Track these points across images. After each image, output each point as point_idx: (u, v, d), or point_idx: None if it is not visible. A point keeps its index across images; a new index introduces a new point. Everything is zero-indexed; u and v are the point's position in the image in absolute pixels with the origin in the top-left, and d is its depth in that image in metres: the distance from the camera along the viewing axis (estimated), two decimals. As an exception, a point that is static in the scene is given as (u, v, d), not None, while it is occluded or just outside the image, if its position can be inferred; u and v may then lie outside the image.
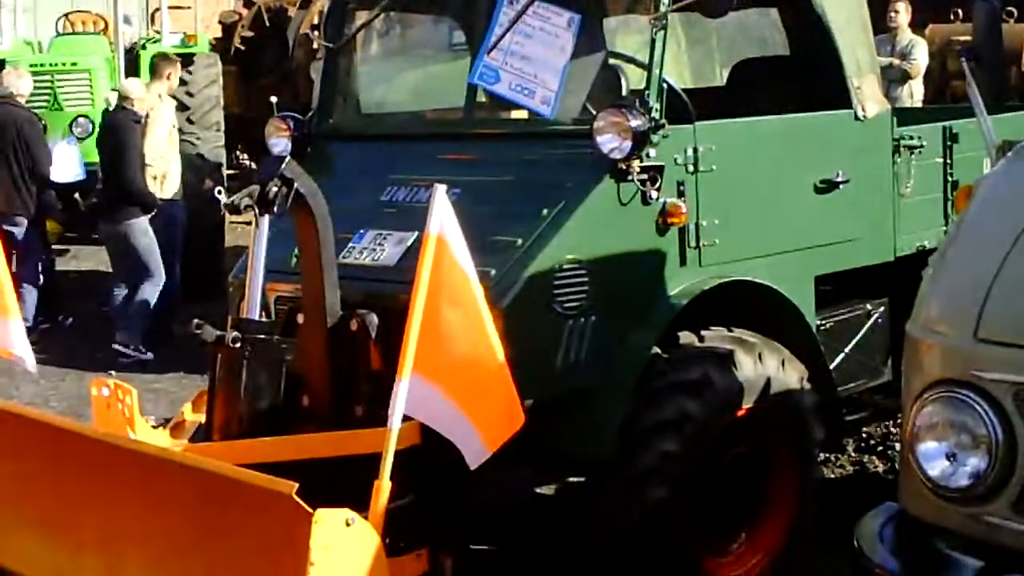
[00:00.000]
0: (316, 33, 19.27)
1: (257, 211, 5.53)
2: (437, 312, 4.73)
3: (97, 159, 13.66)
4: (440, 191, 4.84)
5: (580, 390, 5.69)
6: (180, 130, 14.14)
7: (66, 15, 15.43)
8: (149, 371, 11.03)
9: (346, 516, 4.28)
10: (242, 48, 19.30)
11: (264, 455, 5.08)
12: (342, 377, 5.76)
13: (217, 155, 13.60)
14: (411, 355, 4.67)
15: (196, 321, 5.51)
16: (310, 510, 4.16)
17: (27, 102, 13.35)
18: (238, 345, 5.46)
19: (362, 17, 6.96)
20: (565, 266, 5.61)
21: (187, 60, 14.52)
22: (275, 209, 5.54)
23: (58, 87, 13.45)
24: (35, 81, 13.38)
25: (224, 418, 5.52)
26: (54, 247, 15.41)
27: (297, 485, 4.16)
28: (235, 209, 5.54)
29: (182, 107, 14.39)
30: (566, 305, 5.61)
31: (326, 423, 5.73)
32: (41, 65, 13.58)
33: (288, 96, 19.53)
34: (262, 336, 5.53)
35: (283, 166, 5.54)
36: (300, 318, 5.86)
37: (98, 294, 14.01)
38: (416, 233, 5.83)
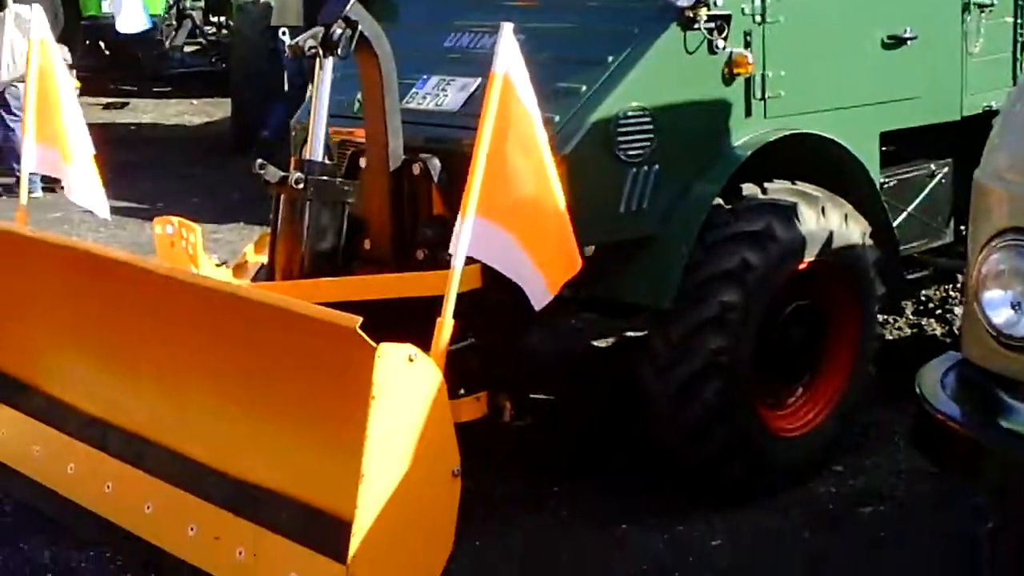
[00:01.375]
0: None
1: (321, 53, 5.50)
2: (501, 154, 4.72)
3: (161, 11, 13.75)
4: (507, 29, 4.80)
5: (642, 239, 5.68)
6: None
7: None
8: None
9: (409, 352, 4.29)
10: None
11: (326, 295, 5.09)
12: (403, 221, 5.77)
13: (268, -1, 13.53)
14: (475, 196, 4.66)
15: (259, 161, 5.51)
16: (373, 344, 4.18)
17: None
18: (301, 186, 5.46)
19: None
20: (629, 114, 5.56)
21: None
22: (339, 52, 5.51)
23: (125, -66, 13.35)
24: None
25: (286, 259, 5.55)
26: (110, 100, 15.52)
27: (361, 319, 4.17)
28: (299, 51, 5.52)
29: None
30: (629, 153, 5.57)
31: (386, 267, 5.75)
32: (100, -83, 13.51)
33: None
34: (325, 178, 5.53)
35: (347, 7, 5.51)
36: (363, 162, 5.86)
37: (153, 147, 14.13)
38: (479, 79, 5.81)
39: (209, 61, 13.97)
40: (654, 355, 5.74)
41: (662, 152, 5.66)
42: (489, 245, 4.76)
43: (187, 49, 14.30)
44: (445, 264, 5.43)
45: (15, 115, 11.42)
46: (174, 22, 14.06)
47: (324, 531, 4.55)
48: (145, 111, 15.95)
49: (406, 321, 4.91)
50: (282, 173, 5.49)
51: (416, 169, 5.72)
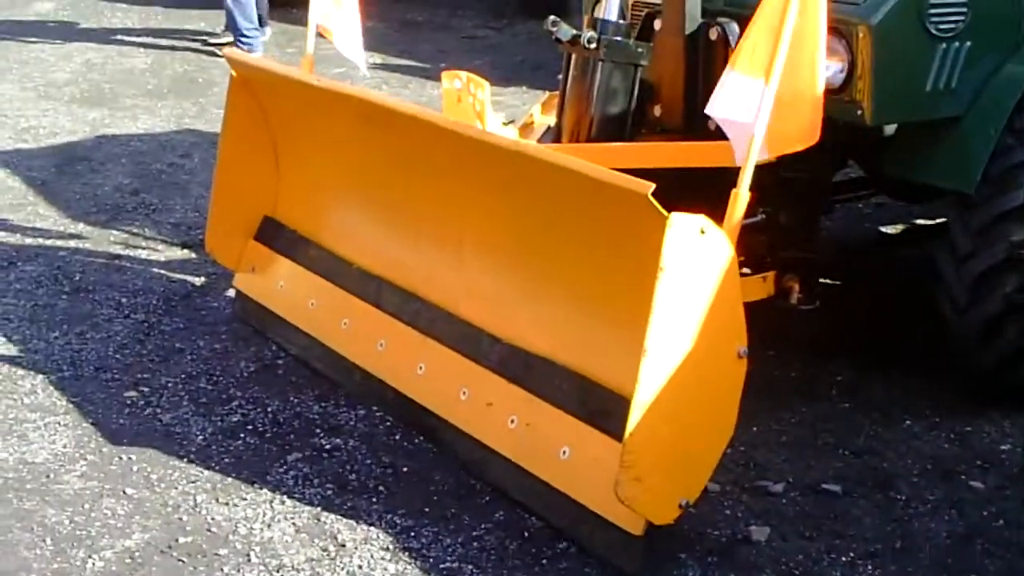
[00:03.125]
0: None
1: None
2: (777, 11, 4.40)
3: None
4: None
5: (948, 118, 5.34)
6: None
7: None
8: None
9: (701, 223, 4.08)
10: None
11: (614, 160, 4.88)
12: (697, 88, 5.52)
13: None
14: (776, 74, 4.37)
15: (552, 18, 5.31)
16: (664, 213, 3.98)
17: None
18: (593, 46, 5.25)
19: None
20: (943, -17, 5.21)
21: None
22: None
23: None
24: None
25: (574, 121, 5.36)
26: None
27: (653, 185, 3.97)
28: None
29: None
30: (941, 27, 5.21)
31: (676, 135, 5.54)
32: None
33: None
34: (618, 38, 5.31)
35: None
36: (657, 24, 5.62)
37: (437, 4, 14.02)
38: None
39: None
40: (952, 243, 5.42)
41: (975, 28, 5.28)
42: (738, 98, 4.46)
43: None
44: None
45: None
46: None
47: (601, 406, 4.40)
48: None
49: (696, 193, 4.71)
50: (574, 32, 5.28)
51: (713, 34, 5.45)
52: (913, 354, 5.95)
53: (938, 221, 5.62)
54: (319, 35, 6.24)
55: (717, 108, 4.49)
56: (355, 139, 5.61)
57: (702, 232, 4.08)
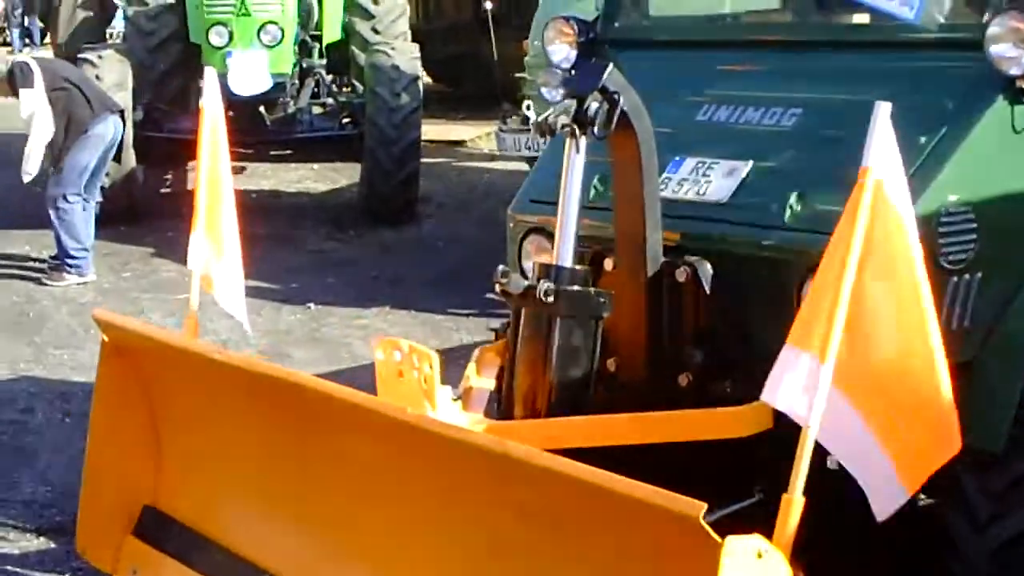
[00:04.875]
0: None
1: (576, 132, 4.49)
2: (859, 288, 3.58)
3: (288, 70, 12.79)
4: (883, 112, 3.72)
5: (960, 364, 4.57)
6: (367, 42, 13.23)
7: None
8: (348, 303, 10.13)
9: (758, 546, 3.25)
10: (420, -45, 18.25)
11: (607, 436, 4.18)
12: (662, 338, 4.74)
13: (414, 68, 12.55)
14: (833, 353, 3.53)
15: (502, 268, 4.50)
16: (718, 538, 3.13)
17: (209, 6, 12.44)
18: (551, 299, 4.43)
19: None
20: (951, 209, 4.49)
21: (371, -36, 13.60)
22: (595, 130, 4.50)
23: (247, -9, 12.45)
24: (220, -16, 12.47)
25: (528, 386, 4.54)
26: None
27: (705, 506, 3.12)
28: (548, 129, 4.51)
29: (366, 15, 13.47)
30: (951, 259, 4.49)
31: (638, 393, 4.74)
32: (228, -32, 12.58)
33: (471, 7, 18.58)
34: (577, 289, 4.50)
35: (605, 76, 4.49)
36: (609, 264, 4.84)
37: (276, 217, 13.18)
38: (750, 162, 4.81)
39: (339, 124, 12.95)
40: (970, 505, 4.64)
41: (987, 257, 4.58)
42: (837, 425, 3.62)
43: (315, 111, 13.27)
44: (719, 394, 4.60)
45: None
46: (297, 82, 13.08)
47: None
48: (264, 176, 15.05)
49: (682, 457, 4.01)
50: (527, 283, 4.46)
51: (682, 275, 4.69)
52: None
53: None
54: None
55: (775, 395, 3.63)
56: (253, 417, 4.72)
57: (759, 556, 3.26)
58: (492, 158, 15.97)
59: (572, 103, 4.52)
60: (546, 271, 4.52)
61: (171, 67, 13.12)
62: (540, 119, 4.53)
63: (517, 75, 17.06)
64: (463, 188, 14.62)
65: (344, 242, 12.32)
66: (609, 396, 4.73)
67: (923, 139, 4.56)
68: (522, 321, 4.55)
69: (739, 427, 4.25)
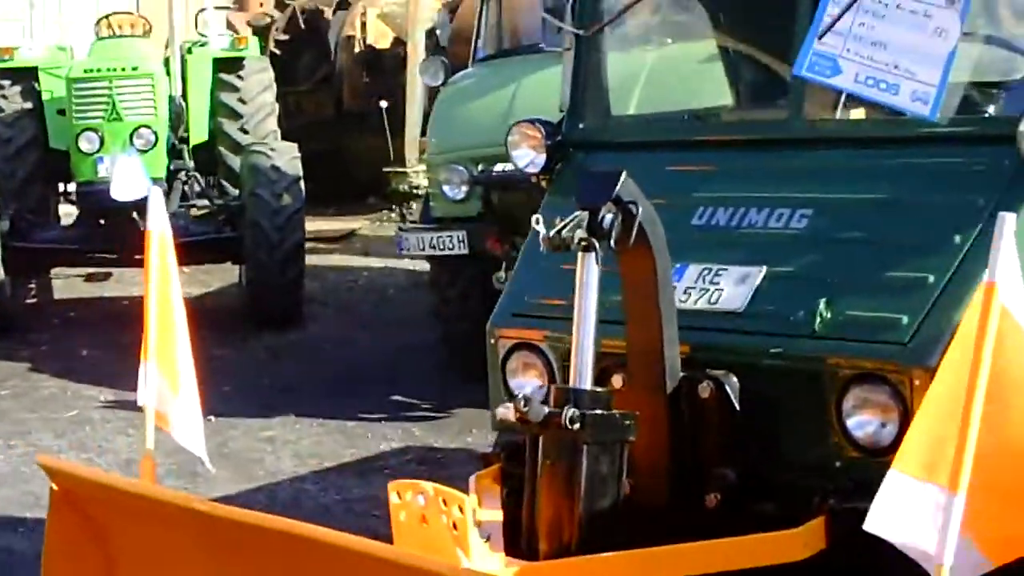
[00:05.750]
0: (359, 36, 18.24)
1: (595, 246, 4.17)
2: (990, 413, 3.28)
3: (162, 174, 12.32)
4: (1007, 224, 3.41)
5: None
6: (237, 143, 12.83)
7: (106, 16, 13.83)
8: (252, 414, 9.65)
9: None
10: (277, 52, 17.88)
11: (643, 572, 3.79)
12: (685, 459, 4.43)
13: (295, 168, 12.15)
14: (965, 481, 3.22)
15: (523, 395, 4.14)
16: None
17: (78, 112, 11.97)
18: (577, 426, 4.09)
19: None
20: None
21: (237, 64, 13.20)
22: (611, 243, 4.19)
23: (117, 95, 11.93)
24: (90, 89, 11.95)
25: (552, 521, 4.17)
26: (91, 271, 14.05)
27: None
28: (563, 244, 4.18)
29: (234, 115, 13.08)
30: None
31: (661, 515, 4.43)
32: (97, 71, 12.06)
33: (331, 103, 18.29)
34: (603, 412, 4.16)
35: (619, 185, 4.20)
36: (618, 380, 4.52)
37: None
38: (763, 268, 4.53)
39: (216, 228, 12.47)
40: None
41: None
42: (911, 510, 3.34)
43: (193, 214, 12.79)
44: (751, 515, 4.31)
45: None
46: (166, 185, 12.60)
47: None
48: (132, 282, 14.38)
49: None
50: (549, 410, 4.11)
51: (706, 391, 4.38)
52: None
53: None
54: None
55: (888, 527, 3.32)
56: (231, 571, 4.28)
57: None
58: (365, 254, 15.62)
59: (583, 215, 4.20)
60: (565, 395, 4.17)
61: (30, 175, 12.60)
62: (552, 233, 4.20)
63: (386, 170, 17.04)
64: (342, 287, 14.20)
65: (231, 348, 11.81)
66: (628, 522, 4.41)
67: (956, 238, 4.33)
68: (541, 449, 4.20)
69: (793, 551, 4.01)
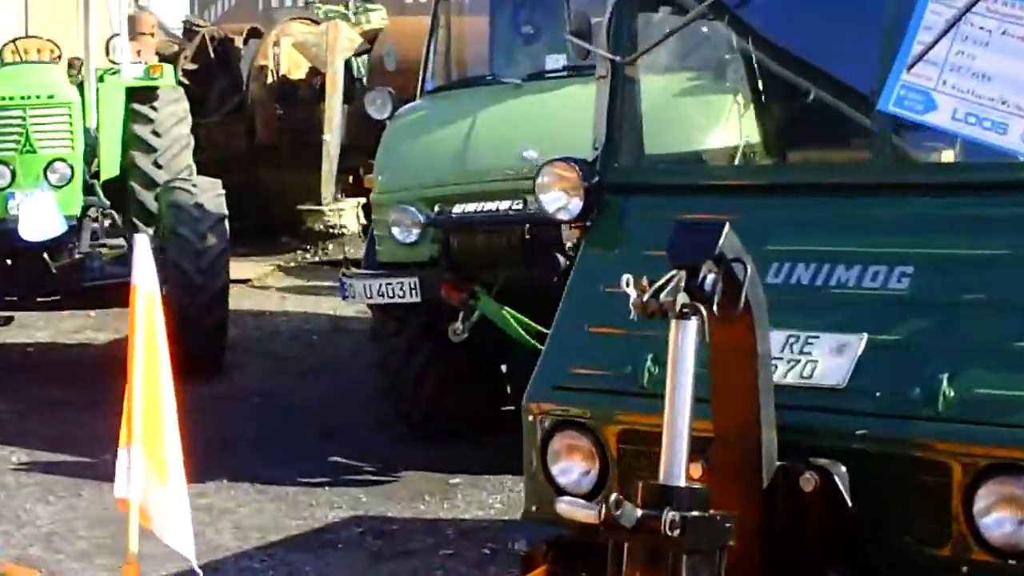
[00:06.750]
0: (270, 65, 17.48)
1: (702, 312, 3.48)
2: None
3: (77, 211, 11.45)
4: None
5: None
6: (151, 178, 12.01)
7: (13, 41, 12.92)
8: (187, 479, 8.79)
9: None
10: (186, 83, 17.02)
11: None
12: (781, 558, 3.75)
13: (219, 206, 11.36)
14: None
15: (615, 497, 3.42)
16: None
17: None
18: (676, 532, 3.39)
19: (655, 19, 4.92)
20: None
21: (151, 94, 12.37)
22: (714, 307, 3.50)
23: (31, 126, 11.05)
24: (1, 119, 11.08)
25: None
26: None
27: None
28: (659, 310, 3.48)
29: (147, 149, 12.25)
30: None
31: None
32: (9, 99, 11.17)
33: (243, 136, 17.48)
34: (703, 515, 3.47)
35: (722, 239, 3.52)
36: (696, 470, 3.82)
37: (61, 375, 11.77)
38: (864, 336, 3.90)
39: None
40: None
41: None
42: None
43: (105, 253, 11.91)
44: None
45: None
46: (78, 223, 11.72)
47: None
48: (36, 327, 13.52)
49: None
50: (644, 512, 3.40)
51: (809, 483, 3.70)
52: None
53: None
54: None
55: None
56: None
57: None
58: (283, 298, 14.81)
59: (680, 274, 3.51)
60: (661, 493, 3.47)
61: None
62: (646, 298, 3.50)
63: (300, 208, 16.26)
64: (264, 333, 13.37)
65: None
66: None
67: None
68: (627, 556, 3.50)
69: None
